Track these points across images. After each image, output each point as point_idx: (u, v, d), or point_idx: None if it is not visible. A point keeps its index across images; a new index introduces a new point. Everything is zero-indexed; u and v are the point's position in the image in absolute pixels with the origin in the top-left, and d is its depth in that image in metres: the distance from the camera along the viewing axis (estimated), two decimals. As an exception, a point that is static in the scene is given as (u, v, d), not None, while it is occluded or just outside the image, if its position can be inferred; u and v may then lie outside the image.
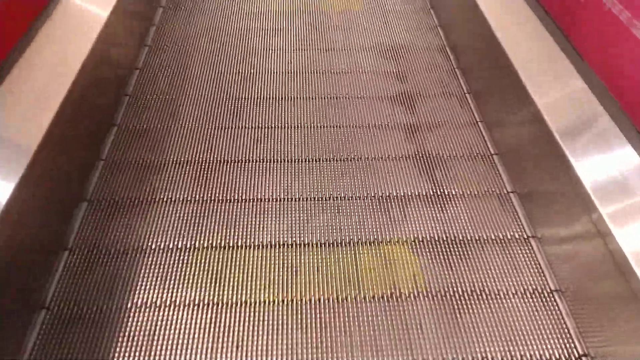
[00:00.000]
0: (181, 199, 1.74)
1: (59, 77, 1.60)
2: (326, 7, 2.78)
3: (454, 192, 1.79)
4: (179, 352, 1.35)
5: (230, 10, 2.71)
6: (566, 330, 1.42)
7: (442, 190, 1.79)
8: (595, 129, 1.47)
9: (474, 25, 2.18)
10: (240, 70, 2.30)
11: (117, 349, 1.35)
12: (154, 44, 2.43)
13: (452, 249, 1.60)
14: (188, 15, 2.65)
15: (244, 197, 1.76)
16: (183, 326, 1.40)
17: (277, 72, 2.31)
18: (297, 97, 2.18)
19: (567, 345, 1.39)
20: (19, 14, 1.62)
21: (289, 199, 1.76)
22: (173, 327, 1.40)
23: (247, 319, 1.42)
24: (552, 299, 1.49)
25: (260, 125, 2.04)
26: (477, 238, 1.64)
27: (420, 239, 1.63)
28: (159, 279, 1.51)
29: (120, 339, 1.37)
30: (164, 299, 1.46)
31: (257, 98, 2.17)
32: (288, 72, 2.31)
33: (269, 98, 2.17)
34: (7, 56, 1.50)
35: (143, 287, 1.48)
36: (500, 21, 2.01)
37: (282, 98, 2.17)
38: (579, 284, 1.43)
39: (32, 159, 1.31)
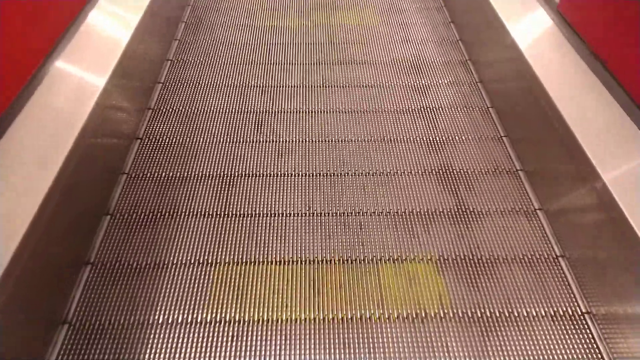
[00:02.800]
0: (203, 213, 1.73)
1: (85, 91, 1.62)
2: (343, 21, 2.78)
3: (478, 209, 1.75)
4: (200, 370, 1.33)
5: (250, 26, 2.72)
6: (599, 355, 1.37)
7: (466, 207, 1.76)
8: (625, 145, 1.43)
9: (494, 39, 2.16)
10: (260, 84, 2.31)
11: (139, 366, 1.34)
12: (175, 58, 2.45)
13: (478, 269, 1.56)
14: (209, 30, 2.67)
15: (265, 212, 1.74)
16: (204, 343, 1.39)
17: (296, 86, 2.31)
18: (316, 111, 2.17)
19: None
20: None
21: (311, 214, 1.74)
22: (194, 343, 1.39)
23: (269, 336, 1.40)
24: (583, 321, 1.44)
25: (280, 139, 2.03)
26: (504, 257, 1.59)
27: (445, 257, 1.60)
28: (180, 294, 1.49)
29: (142, 355, 1.36)
30: (185, 315, 1.44)
31: (278, 112, 2.16)
32: (307, 86, 2.31)
33: (289, 112, 2.17)
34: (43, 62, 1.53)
35: (164, 303, 1.47)
36: (523, 34, 1.99)
37: (301, 111, 2.17)
38: (611, 305, 1.38)
39: (57, 174, 1.32)
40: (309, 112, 2.17)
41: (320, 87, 2.31)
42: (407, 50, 2.55)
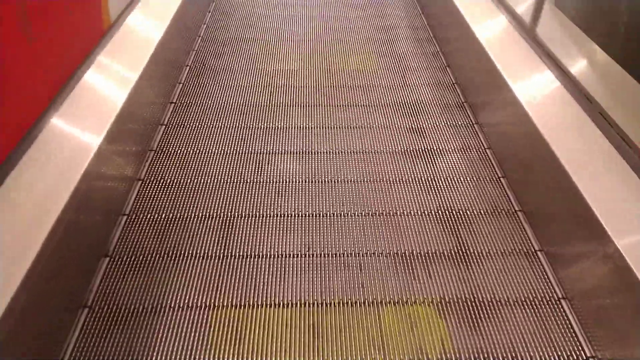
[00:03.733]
0: (201, 255, 1.73)
1: (88, 133, 1.65)
2: (343, 65, 2.87)
3: (479, 250, 1.75)
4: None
5: (252, 69, 2.80)
6: None
7: (466, 248, 1.76)
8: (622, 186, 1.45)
9: (490, 82, 2.22)
10: (261, 126, 2.35)
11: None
12: (178, 100, 2.51)
13: (480, 312, 1.55)
14: (212, 74, 2.74)
15: (264, 253, 1.74)
16: (201, 390, 1.35)
17: (296, 127, 2.35)
18: (316, 152, 2.20)
19: None
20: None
21: (310, 255, 1.74)
22: (191, 391, 1.35)
23: (268, 383, 1.37)
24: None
25: (280, 179, 2.05)
26: (506, 299, 1.58)
27: (447, 300, 1.58)
28: (178, 338, 1.47)
29: (136, 404, 1.32)
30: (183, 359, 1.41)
31: (277, 153, 2.19)
32: (307, 128, 2.35)
33: (289, 152, 2.20)
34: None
35: (162, 346, 1.44)
36: (519, 80, 2.05)
37: (301, 152, 2.20)
38: (615, 350, 1.36)
39: (58, 217, 1.33)
40: (307, 152, 2.20)
41: (319, 128, 2.35)
42: (405, 94, 2.61)
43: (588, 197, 1.45)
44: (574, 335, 1.49)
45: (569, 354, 1.44)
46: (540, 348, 1.45)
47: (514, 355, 1.43)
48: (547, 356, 1.43)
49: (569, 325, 1.51)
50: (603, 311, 1.42)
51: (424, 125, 2.38)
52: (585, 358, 1.43)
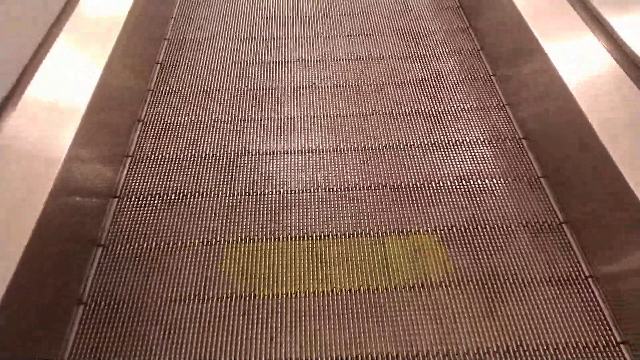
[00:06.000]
0: (209, 193, 1.75)
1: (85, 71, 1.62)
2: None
3: (481, 179, 1.76)
4: (212, 344, 1.37)
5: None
6: (602, 316, 1.40)
7: (470, 177, 1.77)
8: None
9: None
10: (260, 60, 2.29)
11: (153, 345, 1.38)
12: (172, 37, 2.44)
13: (482, 238, 1.59)
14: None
15: (269, 190, 1.76)
16: (216, 319, 1.42)
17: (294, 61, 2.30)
18: (315, 86, 2.16)
19: (603, 331, 1.37)
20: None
21: (315, 190, 1.76)
22: (205, 320, 1.42)
23: (279, 311, 1.43)
24: (587, 285, 1.47)
25: (284, 116, 2.04)
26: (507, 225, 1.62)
27: (450, 227, 1.62)
28: (190, 273, 1.53)
29: (154, 334, 1.39)
30: (197, 292, 1.48)
31: (278, 88, 2.16)
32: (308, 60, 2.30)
33: (290, 88, 2.16)
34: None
35: (175, 281, 1.50)
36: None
37: (301, 87, 2.16)
38: (614, 267, 1.40)
39: (65, 158, 1.34)
40: (308, 87, 2.16)
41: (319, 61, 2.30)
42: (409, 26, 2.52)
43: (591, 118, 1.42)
44: (573, 255, 1.53)
45: (568, 273, 1.49)
46: (540, 268, 1.50)
47: (515, 276, 1.49)
48: (546, 276, 1.49)
49: (570, 247, 1.56)
50: (603, 233, 1.45)
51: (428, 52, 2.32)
52: (584, 277, 1.48)
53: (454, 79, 2.17)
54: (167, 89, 2.16)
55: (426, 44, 2.38)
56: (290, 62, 2.30)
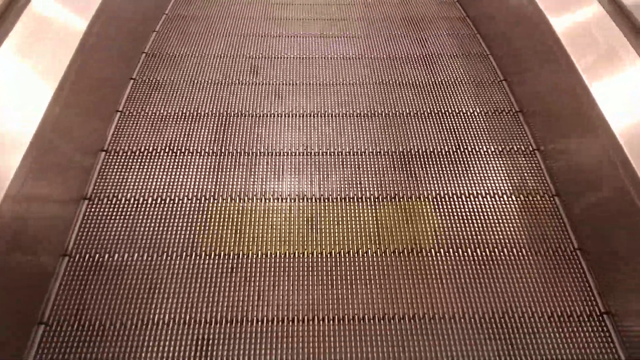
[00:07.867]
0: (199, 151, 1.72)
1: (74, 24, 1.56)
2: None
3: (476, 149, 1.75)
4: (200, 299, 1.36)
5: None
6: (587, 287, 1.41)
7: (460, 141, 1.76)
8: None
9: None
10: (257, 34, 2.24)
11: (142, 298, 1.36)
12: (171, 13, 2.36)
13: (472, 204, 1.58)
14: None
15: (262, 151, 1.73)
16: (204, 275, 1.41)
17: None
18: (312, 57, 2.12)
19: (588, 300, 1.38)
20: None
21: (307, 153, 1.73)
22: (194, 276, 1.41)
23: (267, 270, 1.42)
24: (576, 257, 1.47)
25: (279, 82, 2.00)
26: (500, 194, 1.61)
27: (442, 195, 1.61)
28: (179, 226, 1.50)
29: (142, 287, 1.38)
30: (184, 248, 1.46)
31: (275, 58, 2.11)
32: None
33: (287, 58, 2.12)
34: None
35: (163, 236, 1.48)
36: None
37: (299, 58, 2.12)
38: (601, 243, 1.41)
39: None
40: (307, 58, 2.13)
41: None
42: None
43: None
44: (563, 227, 1.54)
45: (557, 245, 1.50)
46: (530, 237, 1.50)
47: (504, 245, 1.49)
48: (536, 246, 1.49)
49: (560, 218, 1.56)
50: (591, 207, 1.45)
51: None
52: (572, 250, 1.49)
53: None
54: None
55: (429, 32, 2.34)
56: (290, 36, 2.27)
